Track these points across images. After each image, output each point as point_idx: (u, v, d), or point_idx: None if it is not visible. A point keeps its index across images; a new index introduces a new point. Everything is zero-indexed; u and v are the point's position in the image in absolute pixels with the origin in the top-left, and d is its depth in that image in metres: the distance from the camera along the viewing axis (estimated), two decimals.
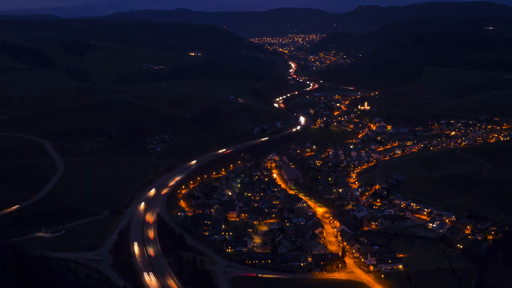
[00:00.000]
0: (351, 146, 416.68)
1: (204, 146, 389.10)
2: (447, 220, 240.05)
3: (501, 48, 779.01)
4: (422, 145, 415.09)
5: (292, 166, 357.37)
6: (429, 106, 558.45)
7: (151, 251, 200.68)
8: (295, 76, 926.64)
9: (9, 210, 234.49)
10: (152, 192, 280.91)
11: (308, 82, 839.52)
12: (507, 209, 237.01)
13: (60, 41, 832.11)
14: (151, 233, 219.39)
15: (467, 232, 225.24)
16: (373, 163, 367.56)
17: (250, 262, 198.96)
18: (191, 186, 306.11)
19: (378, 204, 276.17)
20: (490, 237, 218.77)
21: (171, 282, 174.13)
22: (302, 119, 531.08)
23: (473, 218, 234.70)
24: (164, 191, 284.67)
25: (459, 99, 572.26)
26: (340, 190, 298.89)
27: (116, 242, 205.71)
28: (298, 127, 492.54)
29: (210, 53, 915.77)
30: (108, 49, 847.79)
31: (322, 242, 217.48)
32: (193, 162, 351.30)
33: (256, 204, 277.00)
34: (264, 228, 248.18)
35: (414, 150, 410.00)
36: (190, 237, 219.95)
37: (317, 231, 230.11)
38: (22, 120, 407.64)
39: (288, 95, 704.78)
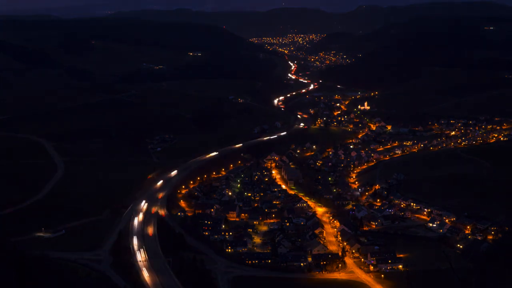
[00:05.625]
0: (351, 146, 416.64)
1: (204, 146, 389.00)
2: (447, 220, 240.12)
3: (501, 48, 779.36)
4: (422, 145, 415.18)
5: (292, 166, 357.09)
6: (429, 106, 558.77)
7: (151, 251, 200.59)
8: (295, 76, 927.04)
9: (9, 210, 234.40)
10: (152, 192, 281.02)
11: (308, 82, 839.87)
12: (507, 209, 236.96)
13: (60, 41, 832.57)
14: (151, 233, 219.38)
15: (467, 232, 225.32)
16: (373, 163, 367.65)
17: (250, 262, 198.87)
18: (191, 186, 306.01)
19: (378, 204, 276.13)
20: (490, 237, 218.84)
21: (171, 282, 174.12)
22: (302, 119, 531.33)
23: (473, 218, 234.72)
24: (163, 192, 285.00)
25: (459, 99, 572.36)
26: (340, 190, 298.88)
27: (116, 242, 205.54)
28: (298, 127, 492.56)
29: (210, 53, 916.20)
30: (108, 49, 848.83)
31: (322, 242, 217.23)
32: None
33: (256, 204, 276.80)
34: (264, 228, 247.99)
35: (414, 150, 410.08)
36: (190, 237, 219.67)
37: (317, 231, 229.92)
38: (22, 120, 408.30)
39: (288, 95, 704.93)
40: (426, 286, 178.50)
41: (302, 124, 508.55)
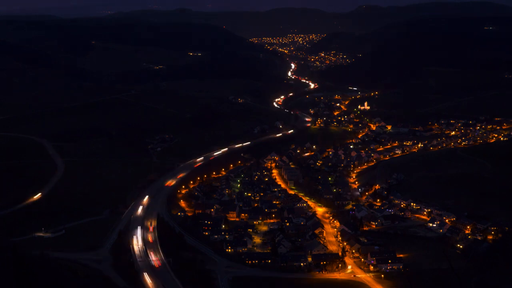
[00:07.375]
0: (351, 146, 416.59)
1: (204, 146, 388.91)
2: (447, 220, 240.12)
3: (501, 48, 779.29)
4: (422, 145, 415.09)
5: (292, 166, 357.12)
6: (429, 106, 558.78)
7: (151, 251, 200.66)
8: (295, 76, 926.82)
9: (10, 209, 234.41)
10: (152, 192, 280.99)
11: (308, 82, 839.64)
12: (507, 209, 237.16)
13: (60, 41, 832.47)
14: (151, 233, 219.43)
15: (467, 232, 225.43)
16: (373, 163, 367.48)
17: (250, 262, 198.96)
18: (191, 186, 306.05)
19: (378, 204, 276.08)
20: (490, 237, 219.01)
21: (171, 282, 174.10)
22: (302, 119, 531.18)
23: (473, 218, 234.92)
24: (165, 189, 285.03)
25: (459, 99, 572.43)
26: (340, 190, 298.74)
27: (116, 242, 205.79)
28: (298, 127, 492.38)
29: (210, 53, 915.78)
30: (108, 49, 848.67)
31: (322, 242, 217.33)
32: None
33: (256, 204, 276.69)
34: (264, 228, 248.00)
35: (414, 150, 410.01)
36: (190, 237, 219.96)
37: (317, 231, 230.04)
38: (22, 120, 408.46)
39: (288, 95, 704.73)
40: (426, 286, 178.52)
41: (302, 123, 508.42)
